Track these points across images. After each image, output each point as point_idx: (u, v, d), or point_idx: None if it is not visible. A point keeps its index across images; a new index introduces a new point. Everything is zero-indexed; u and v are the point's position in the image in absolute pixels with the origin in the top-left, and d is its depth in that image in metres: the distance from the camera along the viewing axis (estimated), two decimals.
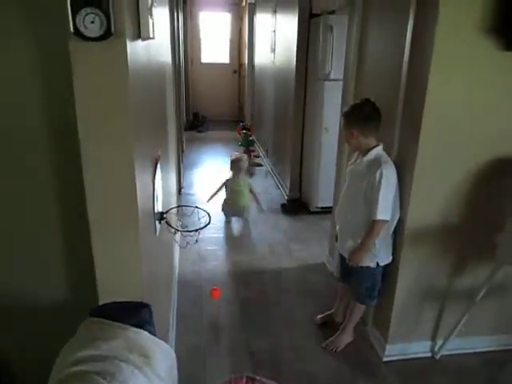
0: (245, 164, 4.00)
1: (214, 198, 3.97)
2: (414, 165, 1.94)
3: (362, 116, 2.01)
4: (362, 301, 2.25)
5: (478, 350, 2.33)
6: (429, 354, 2.31)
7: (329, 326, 2.48)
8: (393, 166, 2.00)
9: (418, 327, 2.28)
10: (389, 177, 1.95)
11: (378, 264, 2.10)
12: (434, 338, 2.30)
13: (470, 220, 2.09)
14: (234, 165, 3.95)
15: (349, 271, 2.23)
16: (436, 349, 2.29)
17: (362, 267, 2.12)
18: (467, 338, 2.28)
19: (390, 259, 2.13)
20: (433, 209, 2.05)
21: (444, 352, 2.27)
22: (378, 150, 2.03)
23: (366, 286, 2.18)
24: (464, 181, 2.02)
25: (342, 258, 2.30)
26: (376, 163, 1.98)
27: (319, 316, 2.55)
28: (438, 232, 2.09)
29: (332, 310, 2.54)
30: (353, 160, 2.19)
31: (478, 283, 2.10)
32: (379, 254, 2.09)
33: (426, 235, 2.09)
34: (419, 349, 2.30)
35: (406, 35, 1.97)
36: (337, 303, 2.52)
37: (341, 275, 2.46)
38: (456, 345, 2.27)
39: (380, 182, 1.93)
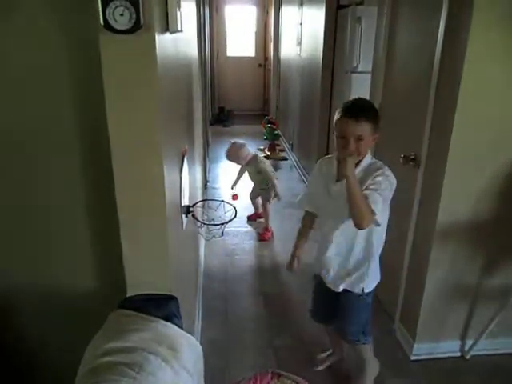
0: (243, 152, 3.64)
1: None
2: (446, 159, 1.88)
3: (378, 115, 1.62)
4: (357, 340, 1.87)
5: (511, 351, 2.26)
6: (458, 354, 2.25)
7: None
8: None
9: (447, 326, 2.22)
10: (392, 183, 1.61)
11: (363, 290, 1.76)
12: (463, 338, 2.24)
13: (505, 218, 2.01)
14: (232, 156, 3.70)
15: (335, 308, 1.86)
16: (466, 348, 2.23)
17: (352, 298, 1.78)
18: (499, 338, 2.22)
19: (376, 282, 1.81)
20: (465, 204, 1.98)
21: (475, 352, 2.21)
22: (369, 155, 1.67)
23: (358, 321, 1.84)
24: (499, 177, 1.94)
25: (325, 293, 1.87)
26: (372, 169, 1.62)
27: (320, 366, 2.17)
28: (469, 229, 2.03)
29: (330, 352, 2.21)
30: (329, 176, 1.72)
31: (511, 283, 2.03)
32: (368, 278, 1.76)
33: (457, 232, 2.02)
34: (448, 348, 2.25)
35: (438, 26, 1.90)
36: (332, 346, 2.20)
37: (323, 316, 2.02)
38: (487, 345, 2.20)
39: (380, 182, 1.56)
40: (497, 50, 1.76)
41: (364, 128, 1.55)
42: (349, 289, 1.78)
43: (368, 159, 1.65)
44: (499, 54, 1.77)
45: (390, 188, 1.60)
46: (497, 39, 1.74)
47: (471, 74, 1.76)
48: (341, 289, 1.79)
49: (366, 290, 1.77)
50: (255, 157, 3.66)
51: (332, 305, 1.87)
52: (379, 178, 1.57)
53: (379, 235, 1.72)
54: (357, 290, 1.77)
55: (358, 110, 1.57)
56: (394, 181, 1.62)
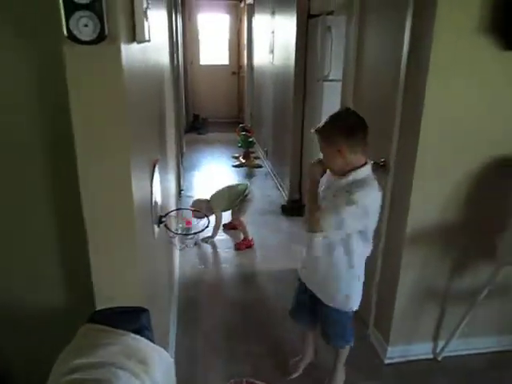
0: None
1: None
2: (414, 166, 1.93)
3: (348, 127, 1.61)
4: (342, 344, 1.97)
5: (481, 351, 2.31)
6: (431, 356, 2.30)
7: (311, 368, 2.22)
8: (378, 191, 1.63)
9: (420, 328, 2.26)
10: (364, 205, 1.58)
11: (351, 309, 1.84)
12: (435, 339, 2.29)
13: (471, 220, 2.07)
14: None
15: (319, 312, 1.94)
16: (438, 350, 2.28)
17: (336, 314, 1.84)
18: (470, 338, 2.27)
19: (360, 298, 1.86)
20: (433, 209, 2.03)
21: (446, 353, 2.26)
22: (367, 169, 1.65)
23: (344, 330, 1.92)
24: (465, 181, 2.00)
25: (310, 296, 1.92)
26: (358, 184, 1.59)
27: (293, 374, 2.17)
28: (438, 233, 2.08)
29: (299, 357, 2.22)
30: (323, 187, 1.76)
31: (479, 283, 2.09)
32: (355, 296, 1.82)
33: (426, 236, 2.07)
34: (421, 350, 2.29)
35: (404, 35, 1.95)
36: (305, 349, 2.21)
37: (305, 319, 2.09)
38: (459, 346, 2.25)
39: (350, 200, 1.55)
40: (460, 58, 1.82)
41: (321, 141, 1.67)
42: (337, 308, 1.83)
43: (361, 173, 1.62)
44: (463, 61, 1.82)
45: (358, 209, 1.56)
46: (460, 45, 1.80)
47: (436, 81, 1.81)
48: (332, 305, 1.84)
49: (355, 309, 1.84)
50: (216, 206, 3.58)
51: (316, 309, 1.93)
52: (351, 196, 1.56)
53: (357, 242, 1.72)
54: (347, 309, 1.83)
55: (321, 125, 1.67)
56: (371, 202, 1.61)
